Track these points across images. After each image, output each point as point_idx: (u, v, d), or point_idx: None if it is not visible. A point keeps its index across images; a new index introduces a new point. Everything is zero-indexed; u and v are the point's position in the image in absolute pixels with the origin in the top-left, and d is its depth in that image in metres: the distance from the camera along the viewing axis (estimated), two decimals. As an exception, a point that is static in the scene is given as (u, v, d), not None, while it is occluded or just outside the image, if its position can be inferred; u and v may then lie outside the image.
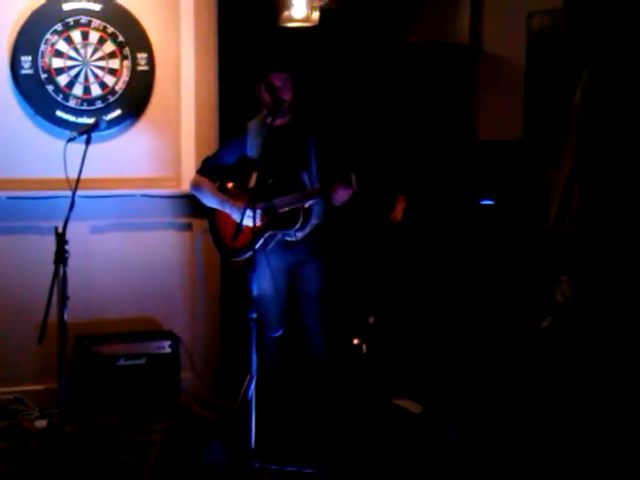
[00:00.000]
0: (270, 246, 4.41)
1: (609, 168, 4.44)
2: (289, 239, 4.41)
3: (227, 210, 4.47)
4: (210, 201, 4.60)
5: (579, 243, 4.48)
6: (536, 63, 5.30)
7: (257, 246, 4.33)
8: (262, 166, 4.16)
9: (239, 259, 4.45)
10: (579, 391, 4.05)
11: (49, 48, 4.97)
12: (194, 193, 4.68)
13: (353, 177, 4.16)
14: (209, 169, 4.62)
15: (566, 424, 4.01)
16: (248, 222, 4.17)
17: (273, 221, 4.35)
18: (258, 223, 4.27)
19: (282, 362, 4.64)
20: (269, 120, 4.32)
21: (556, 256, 4.59)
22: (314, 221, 4.43)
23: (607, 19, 4.48)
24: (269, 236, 4.37)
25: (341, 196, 4.22)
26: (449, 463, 4.12)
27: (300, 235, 4.41)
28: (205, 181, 4.61)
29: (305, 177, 4.38)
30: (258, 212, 4.29)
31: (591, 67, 4.49)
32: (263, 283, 4.34)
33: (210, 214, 4.64)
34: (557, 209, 4.61)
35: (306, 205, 4.33)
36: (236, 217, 4.37)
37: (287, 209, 4.32)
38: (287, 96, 4.37)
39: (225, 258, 4.65)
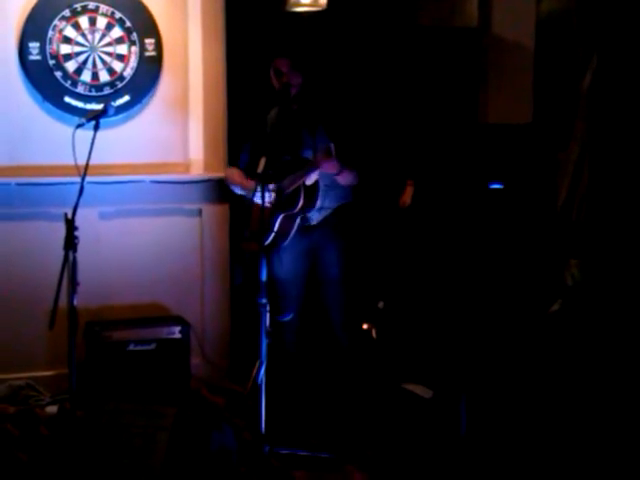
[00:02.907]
0: (292, 234, 4.40)
1: (618, 152, 4.42)
2: (306, 224, 4.41)
3: (249, 195, 4.47)
4: (236, 188, 4.68)
5: (588, 227, 4.47)
6: (545, 46, 5.29)
7: (274, 234, 4.34)
8: (271, 149, 4.17)
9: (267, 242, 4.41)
10: (589, 374, 4.05)
11: (57, 34, 4.97)
12: (227, 184, 4.80)
13: (332, 146, 4.16)
14: (238, 159, 4.70)
15: (576, 410, 4.01)
16: (258, 200, 4.19)
17: (281, 202, 4.36)
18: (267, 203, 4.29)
19: (300, 347, 4.65)
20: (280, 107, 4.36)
21: (565, 240, 4.58)
22: (330, 204, 4.43)
23: (617, 4, 4.46)
24: (282, 223, 4.36)
25: (327, 168, 4.22)
26: (459, 448, 4.12)
27: (315, 219, 4.41)
28: (233, 170, 4.68)
29: (309, 156, 4.38)
30: (271, 194, 4.31)
31: (600, 51, 4.47)
32: (275, 268, 4.35)
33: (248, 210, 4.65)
34: (566, 193, 4.60)
35: (307, 183, 4.32)
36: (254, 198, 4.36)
37: (291, 189, 4.33)
38: (295, 80, 4.37)
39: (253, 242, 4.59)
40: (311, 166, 4.28)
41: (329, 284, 4.55)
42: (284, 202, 4.36)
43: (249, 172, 4.56)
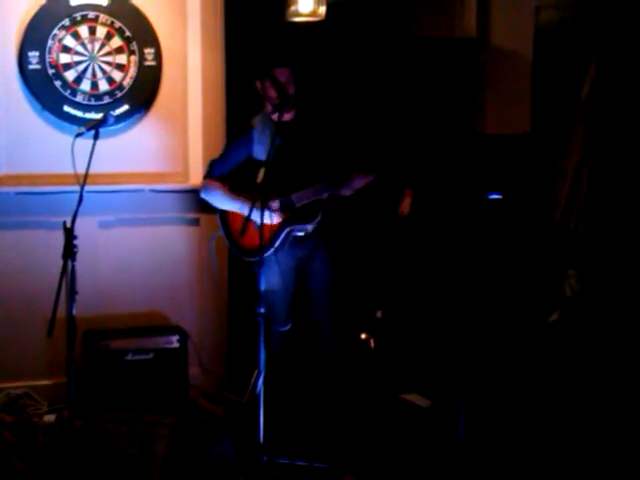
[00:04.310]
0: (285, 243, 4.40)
1: (617, 162, 4.44)
2: (300, 234, 4.40)
3: (245, 212, 4.30)
4: (225, 204, 4.48)
5: (587, 237, 4.48)
6: (543, 56, 5.29)
7: (278, 243, 4.33)
8: (272, 163, 4.15)
9: (259, 258, 4.35)
10: (587, 384, 4.05)
11: (56, 43, 4.98)
12: (205, 198, 4.53)
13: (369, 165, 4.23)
14: (217, 172, 4.52)
15: (575, 418, 4.01)
16: (266, 220, 4.17)
17: (293, 216, 4.35)
18: (277, 220, 4.30)
19: (288, 356, 4.64)
20: (275, 116, 4.31)
21: (564, 250, 4.59)
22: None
23: (615, 14, 4.48)
24: (289, 232, 4.37)
25: (358, 184, 4.28)
26: (458, 457, 4.12)
27: (311, 228, 4.42)
28: (216, 184, 4.49)
29: (319, 171, 4.40)
30: (275, 209, 4.31)
31: (599, 60, 4.49)
32: (271, 278, 4.33)
33: (223, 216, 4.53)
34: (565, 203, 4.61)
35: (324, 197, 4.34)
36: (255, 217, 4.22)
37: (304, 203, 4.33)
38: (291, 90, 4.37)
39: (244, 259, 4.49)
40: (346, 180, 4.30)
41: (317, 294, 4.53)
42: (297, 215, 4.35)
43: (234, 185, 4.51)
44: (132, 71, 5.12)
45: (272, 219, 4.29)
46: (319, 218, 4.34)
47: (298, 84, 4.40)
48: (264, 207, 4.05)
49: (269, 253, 4.31)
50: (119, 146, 5.15)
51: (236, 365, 5.35)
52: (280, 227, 4.35)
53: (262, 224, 4.04)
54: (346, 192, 4.34)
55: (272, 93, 4.36)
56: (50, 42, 4.96)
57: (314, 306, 4.53)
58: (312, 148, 4.41)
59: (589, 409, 3.99)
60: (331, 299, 4.53)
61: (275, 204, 4.34)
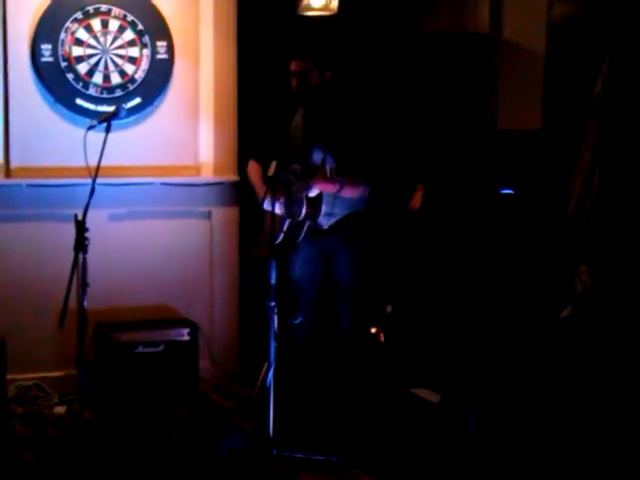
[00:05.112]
0: (302, 235, 4.41)
1: (629, 159, 4.42)
2: (318, 227, 4.41)
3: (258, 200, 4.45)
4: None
5: (598, 233, 4.47)
6: (556, 52, 5.28)
7: (283, 234, 4.34)
8: (285, 148, 4.20)
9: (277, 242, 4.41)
10: (598, 380, 4.04)
11: (69, 36, 4.98)
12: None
13: (327, 169, 4.24)
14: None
15: (585, 414, 4.01)
16: (269, 208, 4.21)
17: (288, 209, 4.37)
18: (280, 211, 4.31)
19: (308, 346, 4.65)
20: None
21: (576, 246, 4.58)
22: (340, 211, 4.42)
23: (627, 11, 4.47)
24: (293, 225, 4.37)
25: (323, 188, 4.27)
26: (467, 452, 4.12)
27: (325, 224, 4.41)
28: (250, 168, 4.67)
29: (317, 160, 4.39)
30: (281, 201, 4.32)
31: (612, 58, 4.47)
32: (289, 270, 4.36)
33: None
34: (577, 199, 4.60)
35: (310, 194, 4.32)
36: (266, 207, 4.31)
37: (298, 197, 4.34)
38: (313, 81, 4.39)
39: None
40: (307, 185, 4.30)
41: (339, 290, 4.55)
42: (290, 209, 4.37)
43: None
44: (144, 64, 5.13)
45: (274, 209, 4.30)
46: (302, 215, 4.32)
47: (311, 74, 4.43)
48: (274, 200, 4.05)
49: (279, 239, 4.32)
50: (131, 139, 5.15)
51: (247, 358, 5.36)
52: (282, 217, 4.36)
53: (273, 217, 4.07)
54: (327, 190, 4.34)
55: (292, 83, 4.41)
56: (63, 35, 4.97)
57: (336, 304, 4.55)
58: (319, 139, 4.42)
59: (600, 405, 3.98)
60: (354, 299, 4.54)
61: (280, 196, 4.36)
